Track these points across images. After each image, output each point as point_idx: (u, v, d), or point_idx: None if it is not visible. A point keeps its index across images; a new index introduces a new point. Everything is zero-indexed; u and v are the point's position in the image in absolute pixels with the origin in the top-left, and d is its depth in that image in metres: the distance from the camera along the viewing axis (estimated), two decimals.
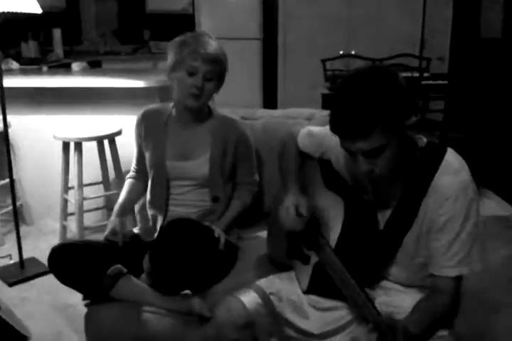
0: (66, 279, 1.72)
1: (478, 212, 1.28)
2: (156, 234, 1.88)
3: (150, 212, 1.98)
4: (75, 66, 3.61)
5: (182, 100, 1.82)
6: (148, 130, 1.95)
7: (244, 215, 2.02)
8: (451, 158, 1.30)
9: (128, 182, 2.04)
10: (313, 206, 1.51)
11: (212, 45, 1.79)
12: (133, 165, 2.07)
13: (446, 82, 3.95)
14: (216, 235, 1.78)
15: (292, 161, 1.62)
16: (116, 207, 1.94)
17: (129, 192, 2.00)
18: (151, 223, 1.97)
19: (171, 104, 1.95)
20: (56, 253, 1.73)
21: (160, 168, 1.90)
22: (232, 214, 1.94)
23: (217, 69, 1.80)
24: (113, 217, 1.89)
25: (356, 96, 1.18)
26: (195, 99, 1.79)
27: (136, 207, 2.12)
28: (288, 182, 1.58)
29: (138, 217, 2.14)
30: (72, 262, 1.70)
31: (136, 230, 2.02)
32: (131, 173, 2.07)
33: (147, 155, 1.95)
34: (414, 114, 1.23)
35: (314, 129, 1.61)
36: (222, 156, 1.89)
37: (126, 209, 1.98)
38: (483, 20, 4.35)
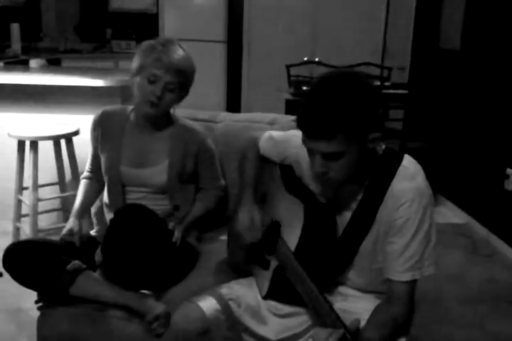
0: (22, 277, 1.66)
1: (432, 218, 1.30)
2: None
3: (108, 216, 1.94)
4: (33, 63, 3.51)
5: (140, 106, 1.79)
6: (105, 133, 1.89)
7: (208, 218, 2.00)
8: (408, 163, 1.32)
9: (83, 183, 1.99)
10: (268, 216, 1.54)
11: (179, 56, 1.74)
12: (88, 166, 2.01)
13: (406, 91, 4.03)
14: (170, 227, 1.76)
15: (251, 168, 1.62)
16: (74, 208, 1.90)
17: (86, 193, 1.96)
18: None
19: (131, 108, 1.91)
20: (12, 250, 1.68)
21: (114, 173, 1.86)
22: (193, 216, 1.91)
23: (179, 81, 1.75)
24: (71, 218, 1.85)
25: (329, 98, 1.19)
26: (153, 107, 1.74)
27: (93, 210, 2.08)
28: (245, 191, 1.59)
29: (94, 220, 2.10)
30: (29, 259, 1.65)
31: (92, 233, 1.97)
32: (86, 173, 2.01)
33: (102, 158, 1.91)
34: (379, 129, 1.25)
35: (276, 134, 1.61)
36: (180, 165, 1.85)
37: (84, 210, 1.93)
38: (443, 31, 4.46)
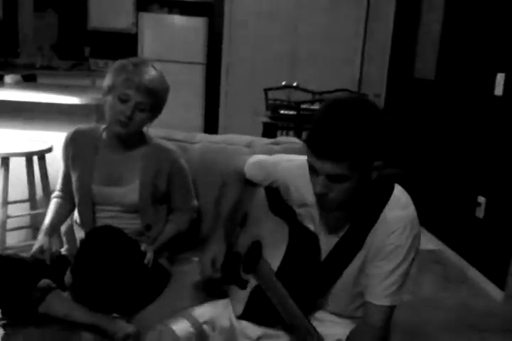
0: None
1: (418, 248, 1.32)
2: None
3: (78, 234, 1.90)
4: (8, 78, 3.47)
5: (111, 126, 1.77)
6: (77, 152, 1.87)
7: (180, 239, 1.98)
8: (399, 193, 1.33)
9: (54, 202, 1.96)
10: (249, 237, 1.54)
11: (150, 76, 1.73)
12: (58, 186, 1.98)
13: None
14: (143, 248, 1.74)
15: (230, 201, 1.64)
16: (44, 225, 1.85)
17: (56, 212, 1.92)
18: (78, 245, 1.88)
19: (103, 126, 1.89)
20: None
21: (85, 192, 1.83)
22: (165, 237, 1.88)
23: (151, 101, 1.74)
24: (41, 236, 1.80)
25: (345, 121, 1.18)
26: (123, 126, 1.73)
27: (63, 228, 2.04)
28: (219, 226, 1.62)
29: (64, 239, 2.05)
30: None
31: (63, 251, 1.94)
32: (57, 193, 1.98)
33: (73, 177, 1.88)
34: (382, 157, 1.25)
35: (262, 158, 1.61)
36: (152, 185, 1.83)
37: (54, 228, 1.89)
38: (418, 61, 4.58)
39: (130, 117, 1.71)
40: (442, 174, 3.93)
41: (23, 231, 3.05)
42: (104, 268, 1.54)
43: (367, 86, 5.60)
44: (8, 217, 2.76)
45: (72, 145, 1.88)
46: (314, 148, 1.21)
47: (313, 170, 1.25)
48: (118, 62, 1.78)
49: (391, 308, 1.30)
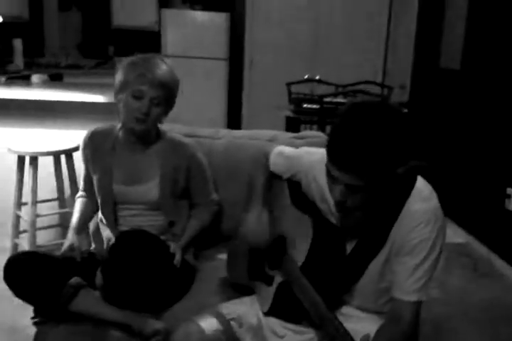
0: (22, 290, 1.63)
1: (444, 240, 1.30)
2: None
3: (104, 233, 1.94)
4: (35, 78, 3.53)
5: (127, 123, 1.78)
6: (95, 153, 1.89)
7: (202, 237, 1.98)
8: (422, 185, 1.31)
9: (80, 201, 1.99)
10: (277, 221, 1.51)
11: (161, 70, 1.73)
12: (81, 187, 2.01)
13: (406, 110, 4.05)
14: (172, 250, 1.75)
15: (261, 180, 1.61)
16: (72, 224, 1.88)
17: (83, 211, 1.95)
18: (105, 245, 1.92)
19: (119, 126, 1.90)
20: (14, 261, 1.65)
21: (107, 192, 1.85)
22: (190, 234, 1.90)
23: (165, 95, 1.75)
24: (69, 234, 1.83)
25: (369, 134, 1.13)
26: (140, 123, 1.74)
27: (90, 228, 2.07)
28: (254, 198, 1.57)
29: (92, 238, 2.08)
30: (31, 271, 1.62)
31: (92, 249, 1.96)
32: (81, 193, 2.01)
33: (94, 178, 1.90)
34: (407, 162, 1.21)
35: (286, 150, 1.60)
36: (172, 180, 1.84)
37: (82, 227, 1.92)
38: (444, 50, 4.49)
39: (147, 113, 1.72)
40: (470, 166, 3.87)
41: (52, 230, 3.11)
42: (134, 270, 1.56)
43: (391, 77, 5.52)
44: (38, 216, 2.82)
45: (90, 147, 1.90)
46: (335, 159, 1.17)
47: (331, 177, 1.21)
48: (125, 61, 1.78)
49: (419, 303, 1.28)
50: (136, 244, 1.64)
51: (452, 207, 4.05)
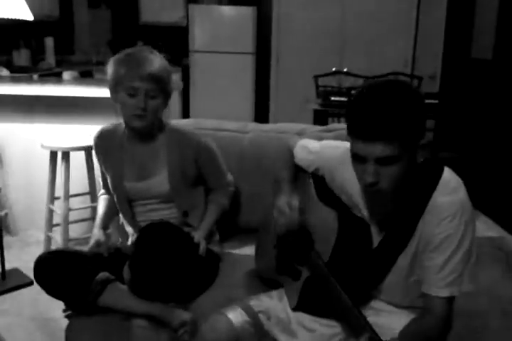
0: (52, 287, 1.67)
1: (474, 233, 1.26)
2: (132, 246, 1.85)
3: (126, 229, 1.97)
4: (66, 75, 3.58)
5: (128, 122, 1.77)
6: (106, 152, 1.90)
7: (227, 227, 1.99)
8: (449, 176, 1.28)
9: (102, 198, 2.01)
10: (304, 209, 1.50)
11: (150, 62, 1.70)
12: (102, 184, 2.03)
13: (437, 101, 3.98)
14: (196, 240, 1.75)
15: (288, 171, 1.61)
16: (97, 220, 1.91)
17: (107, 206, 1.97)
18: (129, 240, 1.95)
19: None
20: (42, 260, 1.69)
21: (120, 189, 1.86)
22: (211, 219, 1.90)
23: (159, 86, 1.71)
24: (95, 230, 1.86)
25: (390, 100, 1.16)
26: (141, 119, 1.72)
27: (116, 224, 2.09)
28: (281, 184, 1.57)
29: (118, 233, 2.11)
30: (59, 269, 1.66)
31: (118, 244, 1.98)
32: (102, 191, 2.04)
33: (108, 177, 1.92)
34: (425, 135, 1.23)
35: (310, 143, 1.59)
36: (180, 171, 1.83)
37: (107, 222, 1.94)
38: (475, 40, 4.40)
39: (144, 108, 1.70)
40: (503, 158, 3.79)
41: (84, 224, 3.17)
42: (161, 263, 1.57)
43: (421, 68, 5.42)
44: (70, 209, 2.88)
45: (100, 146, 1.91)
46: (361, 132, 1.17)
47: (359, 160, 1.21)
48: (113, 58, 1.75)
49: (451, 298, 1.26)
50: (160, 236, 1.66)
51: (485, 200, 3.98)
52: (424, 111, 1.19)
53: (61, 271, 1.66)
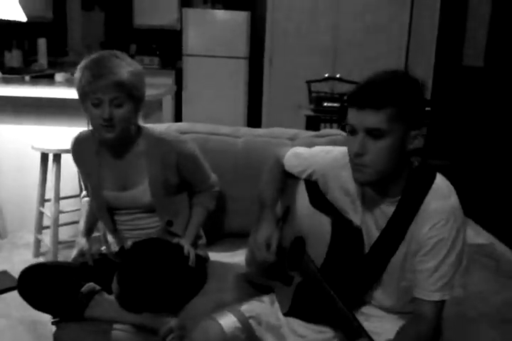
0: (37, 302, 1.66)
1: (465, 238, 1.28)
2: (116, 255, 1.84)
3: (107, 238, 1.95)
4: (58, 77, 3.57)
5: (97, 132, 1.67)
6: (82, 159, 1.82)
7: (215, 232, 1.97)
8: (441, 182, 1.30)
9: (86, 201, 1.94)
10: (292, 231, 1.53)
11: (114, 69, 1.59)
12: (84, 187, 1.97)
13: (428, 108, 4.00)
14: (186, 252, 1.73)
15: (273, 189, 1.63)
16: (81, 225, 1.87)
17: (90, 213, 1.91)
18: (113, 247, 1.92)
19: None
20: (26, 275, 1.67)
21: (99, 198, 1.79)
22: (197, 223, 1.87)
23: (124, 94, 1.60)
24: (78, 238, 1.82)
25: (384, 76, 1.27)
26: (108, 129, 1.62)
27: (100, 229, 2.07)
28: (265, 210, 1.59)
29: (102, 238, 2.08)
30: (43, 284, 1.64)
31: (103, 249, 1.95)
32: (85, 192, 1.97)
33: (87, 184, 1.86)
34: (420, 128, 1.28)
35: (301, 150, 1.60)
36: (162, 181, 1.76)
37: (90, 229, 1.90)
38: (467, 48, 4.43)
39: (109, 118, 1.60)
40: (493, 166, 3.81)
41: (74, 226, 3.14)
42: (150, 278, 1.56)
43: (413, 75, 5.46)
44: (61, 212, 2.86)
45: (77, 153, 1.84)
46: (355, 101, 1.25)
47: (351, 131, 1.27)
48: (80, 65, 1.66)
49: (441, 303, 1.27)
50: (148, 251, 1.65)
51: (475, 208, 4.00)
52: (420, 97, 1.27)
53: (45, 286, 1.64)
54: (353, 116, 1.26)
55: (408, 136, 1.24)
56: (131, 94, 1.63)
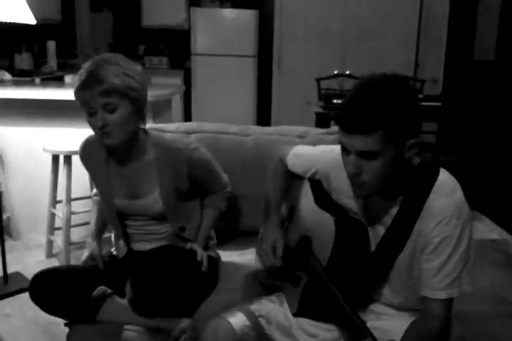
0: (49, 307, 1.66)
1: (471, 234, 1.26)
2: (125, 257, 1.84)
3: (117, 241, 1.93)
4: (68, 78, 3.59)
5: (100, 141, 1.65)
6: (91, 165, 1.80)
7: (226, 231, 1.98)
8: (445, 178, 1.28)
9: (96, 201, 1.93)
10: (297, 231, 1.53)
11: (101, 77, 1.54)
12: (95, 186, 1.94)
13: (439, 103, 3.97)
14: (199, 258, 1.73)
15: (277, 190, 1.62)
16: (92, 227, 1.87)
17: (99, 213, 1.90)
18: (123, 249, 1.90)
19: None
20: (38, 280, 1.67)
21: (109, 205, 1.78)
22: (209, 224, 1.86)
23: (117, 99, 1.56)
24: (89, 241, 1.82)
25: (372, 94, 1.17)
26: (107, 137, 1.59)
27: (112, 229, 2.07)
28: (270, 214, 1.59)
29: (113, 240, 2.07)
30: (54, 289, 1.64)
31: (113, 250, 1.95)
32: (95, 191, 1.93)
33: (97, 189, 1.85)
34: (417, 136, 1.22)
35: (304, 149, 1.60)
36: (174, 189, 1.73)
37: (100, 230, 1.89)
38: (478, 42, 4.39)
39: (103, 126, 1.57)
40: (505, 160, 3.77)
41: (86, 227, 3.16)
42: (164, 284, 1.55)
43: (423, 70, 5.42)
44: (72, 213, 2.88)
45: (84, 159, 1.82)
46: (343, 124, 1.20)
47: (344, 151, 1.23)
48: (76, 74, 1.64)
49: (449, 301, 1.25)
50: (162, 257, 1.67)
51: (487, 203, 3.97)
52: (412, 109, 1.19)
53: (57, 291, 1.64)
54: (343, 139, 1.21)
55: (404, 147, 1.20)
56: (125, 96, 1.58)
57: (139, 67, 1.68)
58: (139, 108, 1.64)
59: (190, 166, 1.74)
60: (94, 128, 1.61)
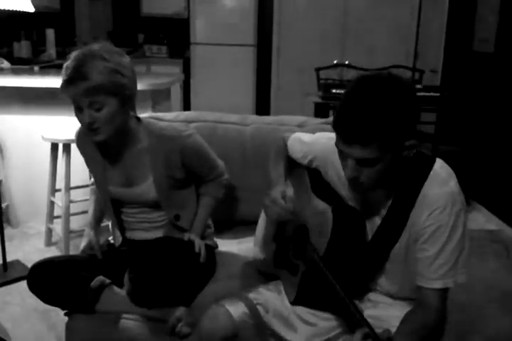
0: (47, 297, 1.67)
1: (465, 224, 1.26)
2: (121, 245, 1.85)
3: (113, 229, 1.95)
4: None
5: (89, 136, 1.64)
6: (86, 153, 1.81)
7: (224, 220, 1.98)
8: (440, 168, 1.28)
9: (93, 191, 1.94)
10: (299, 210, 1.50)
11: (84, 74, 1.51)
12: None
13: (438, 94, 3.97)
14: (197, 249, 1.73)
15: (281, 163, 1.62)
16: (90, 216, 1.87)
17: (96, 202, 1.91)
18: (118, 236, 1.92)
19: None
20: (36, 271, 1.68)
21: (104, 192, 1.79)
22: (206, 213, 1.86)
23: (102, 96, 1.54)
24: (87, 230, 1.83)
25: (369, 102, 1.14)
26: (95, 133, 1.59)
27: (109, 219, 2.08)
28: (275, 177, 1.58)
29: (110, 228, 2.08)
30: (52, 279, 1.65)
31: (111, 239, 1.97)
32: (93, 180, 1.95)
33: (92, 177, 1.86)
34: (415, 135, 1.21)
35: (304, 136, 1.59)
36: (167, 177, 1.73)
37: (98, 219, 1.90)
38: (477, 33, 4.38)
39: (91, 123, 1.57)
40: (504, 151, 3.78)
41: (85, 216, 3.17)
42: (162, 275, 1.57)
43: (423, 61, 5.40)
44: (71, 201, 2.89)
45: (80, 147, 1.83)
46: (340, 133, 1.18)
47: (342, 155, 1.22)
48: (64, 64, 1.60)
49: (444, 290, 1.26)
50: (159, 248, 1.67)
51: (485, 193, 3.98)
52: (409, 112, 1.16)
53: (55, 282, 1.65)
54: (341, 146, 1.20)
55: (402, 148, 1.20)
56: (112, 94, 1.56)
57: (126, 59, 1.63)
58: (127, 101, 1.62)
59: (183, 154, 1.73)
60: (82, 124, 1.62)
